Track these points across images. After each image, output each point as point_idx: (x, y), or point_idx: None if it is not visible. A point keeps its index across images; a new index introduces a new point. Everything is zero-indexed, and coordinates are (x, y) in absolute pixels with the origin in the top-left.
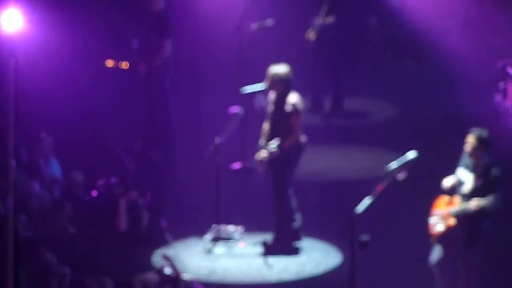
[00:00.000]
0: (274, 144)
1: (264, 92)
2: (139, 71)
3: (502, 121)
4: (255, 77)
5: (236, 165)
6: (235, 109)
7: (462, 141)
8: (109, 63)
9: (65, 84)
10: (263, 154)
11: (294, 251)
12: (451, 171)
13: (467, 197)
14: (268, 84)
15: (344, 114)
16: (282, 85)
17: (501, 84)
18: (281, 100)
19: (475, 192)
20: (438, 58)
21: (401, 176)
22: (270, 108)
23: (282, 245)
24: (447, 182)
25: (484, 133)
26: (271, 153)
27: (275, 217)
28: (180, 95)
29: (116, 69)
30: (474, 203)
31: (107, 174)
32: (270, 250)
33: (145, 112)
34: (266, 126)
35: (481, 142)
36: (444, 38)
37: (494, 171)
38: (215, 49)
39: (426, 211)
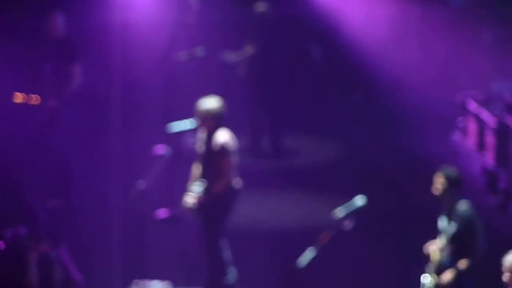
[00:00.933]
0: (199, 187)
1: (193, 130)
2: (48, 107)
3: (461, 163)
4: (184, 113)
5: (163, 213)
6: (161, 150)
7: (418, 185)
8: (18, 97)
9: None
10: (190, 199)
11: None
12: (404, 216)
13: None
14: (198, 120)
15: (283, 154)
16: (213, 122)
17: (460, 121)
18: (211, 138)
19: (453, 244)
20: (389, 91)
21: (348, 225)
22: (201, 147)
23: None
24: (428, 249)
25: (453, 171)
26: (198, 198)
27: (206, 270)
28: (99, 133)
29: (25, 104)
30: (446, 278)
31: (15, 223)
32: None
33: (46, 152)
34: (196, 168)
35: (451, 182)
36: (397, 69)
37: (463, 212)
38: (141, 82)
39: (379, 263)
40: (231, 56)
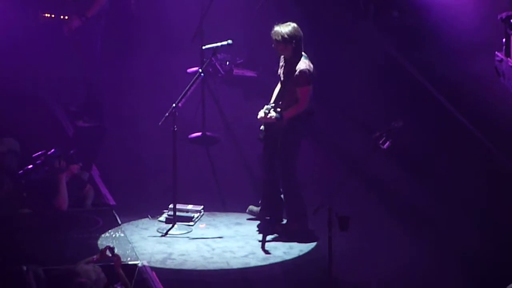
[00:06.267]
0: (269, 108)
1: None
2: (70, 27)
3: (503, 84)
4: (219, 34)
5: (196, 134)
6: (194, 69)
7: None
8: (44, 17)
9: None
10: (260, 117)
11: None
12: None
13: None
14: (275, 45)
15: None
16: (290, 48)
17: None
18: (289, 64)
19: None
20: (426, 9)
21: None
22: (281, 72)
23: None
24: None
25: None
26: (265, 117)
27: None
28: (135, 53)
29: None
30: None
31: (45, 143)
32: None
33: (76, 73)
34: (276, 91)
35: None
36: None
37: None
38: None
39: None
40: None
